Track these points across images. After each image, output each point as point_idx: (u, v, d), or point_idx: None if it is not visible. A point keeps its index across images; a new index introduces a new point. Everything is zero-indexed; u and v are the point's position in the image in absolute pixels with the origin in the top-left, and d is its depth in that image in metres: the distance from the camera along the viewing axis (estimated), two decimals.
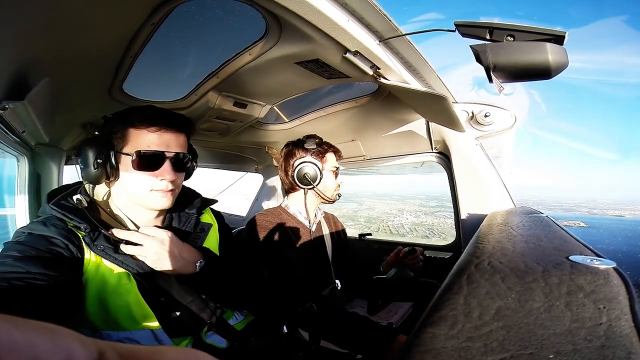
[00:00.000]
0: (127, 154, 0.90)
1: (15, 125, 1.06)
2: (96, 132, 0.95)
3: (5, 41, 0.75)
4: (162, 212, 1.02)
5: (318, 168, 1.50)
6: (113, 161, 0.90)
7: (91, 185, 0.94)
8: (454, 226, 1.90)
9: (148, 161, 0.91)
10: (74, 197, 0.89)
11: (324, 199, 1.59)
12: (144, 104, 0.96)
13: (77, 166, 0.92)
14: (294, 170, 1.52)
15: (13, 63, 0.84)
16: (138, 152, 0.89)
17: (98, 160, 0.87)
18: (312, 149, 1.53)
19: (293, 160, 1.53)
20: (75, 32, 0.82)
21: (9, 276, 0.66)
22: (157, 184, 0.93)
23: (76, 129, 1.39)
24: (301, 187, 1.54)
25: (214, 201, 1.18)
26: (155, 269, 0.90)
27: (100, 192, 0.95)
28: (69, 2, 0.71)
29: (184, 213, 1.09)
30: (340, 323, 1.20)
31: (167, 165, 0.93)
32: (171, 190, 0.95)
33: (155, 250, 0.89)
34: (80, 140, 1.44)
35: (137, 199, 0.94)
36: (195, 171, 1.08)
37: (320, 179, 1.51)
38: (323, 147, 1.56)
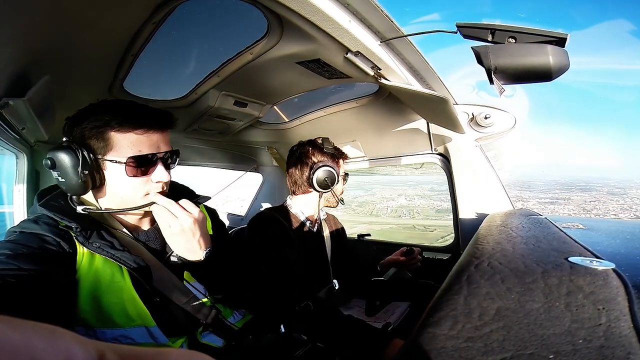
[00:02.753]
0: (116, 161, 0.84)
1: (14, 122, 1.05)
2: (64, 138, 0.85)
3: (7, 38, 0.75)
4: (149, 212, 0.97)
5: (337, 173, 1.50)
6: (99, 169, 0.85)
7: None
8: (436, 208, 1.91)
9: (140, 166, 0.86)
10: (78, 209, 0.84)
11: (330, 203, 1.61)
12: (105, 100, 0.90)
13: (57, 176, 0.83)
14: (313, 172, 1.48)
15: (14, 60, 0.84)
16: (130, 159, 0.84)
17: (84, 172, 0.81)
18: (330, 152, 1.53)
19: (311, 162, 1.51)
20: (77, 30, 0.82)
21: (1, 273, 0.66)
22: (152, 187, 0.89)
23: None
24: (316, 190, 1.52)
25: (207, 198, 1.13)
26: (169, 243, 0.89)
27: (86, 196, 0.91)
28: (70, 1, 0.71)
29: None
30: (335, 325, 1.20)
31: (159, 167, 0.89)
32: (164, 190, 0.93)
33: (184, 226, 0.86)
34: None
35: (131, 203, 0.90)
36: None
37: (335, 184, 1.52)
38: (338, 153, 1.58)
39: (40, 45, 0.84)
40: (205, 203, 1.17)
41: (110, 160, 0.84)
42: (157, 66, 1.21)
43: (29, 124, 1.09)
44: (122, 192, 0.88)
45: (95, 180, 0.84)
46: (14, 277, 0.66)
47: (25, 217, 1.38)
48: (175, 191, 1.07)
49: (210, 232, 1.13)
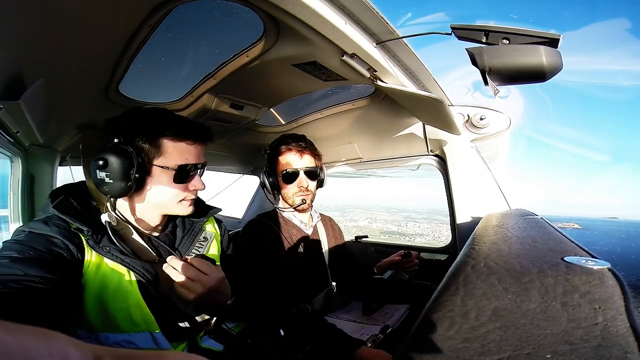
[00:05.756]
0: (165, 167, 0.89)
1: (9, 125, 1.04)
2: (116, 139, 0.86)
3: (1, 41, 0.74)
4: (168, 218, 1.03)
5: (268, 177, 1.49)
6: (146, 173, 0.88)
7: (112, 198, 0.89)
8: (383, 230, 1.90)
9: (185, 174, 0.92)
10: (102, 218, 0.85)
11: (288, 207, 1.53)
12: (149, 107, 0.96)
13: (104, 177, 0.84)
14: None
15: (8, 63, 0.83)
16: (180, 166, 0.90)
17: (136, 175, 0.84)
18: (267, 154, 1.54)
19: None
20: (72, 33, 0.82)
21: (5, 278, 0.65)
22: (188, 194, 0.95)
23: (71, 130, 1.38)
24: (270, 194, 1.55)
25: (218, 210, 1.17)
26: (195, 301, 0.87)
27: (104, 197, 0.92)
28: (66, 3, 0.71)
29: (188, 220, 1.09)
30: (315, 331, 1.20)
31: (197, 176, 0.96)
32: (194, 200, 0.99)
33: (209, 285, 0.86)
34: (75, 141, 1.43)
35: (163, 207, 0.94)
36: None
37: (273, 186, 1.49)
38: (275, 150, 1.51)
39: (36, 48, 0.84)
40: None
41: (160, 166, 0.88)
42: (153, 69, 1.20)
43: (23, 127, 1.08)
44: (160, 197, 0.92)
45: (139, 184, 0.87)
46: (19, 283, 0.66)
47: (20, 221, 1.38)
48: None
49: (219, 248, 1.15)
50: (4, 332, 0.18)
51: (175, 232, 1.05)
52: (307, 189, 1.49)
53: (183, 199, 0.95)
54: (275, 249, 1.41)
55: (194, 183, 0.95)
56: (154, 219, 0.97)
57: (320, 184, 1.59)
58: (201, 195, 1.18)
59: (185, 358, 0.27)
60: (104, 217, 0.85)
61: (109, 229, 0.84)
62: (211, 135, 0.99)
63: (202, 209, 1.11)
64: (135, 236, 0.93)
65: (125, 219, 0.93)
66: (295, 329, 1.22)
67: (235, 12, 0.93)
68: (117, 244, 0.85)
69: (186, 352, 0.93)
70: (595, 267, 0.53)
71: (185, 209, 0.97)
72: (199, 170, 0.97)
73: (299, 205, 1.49)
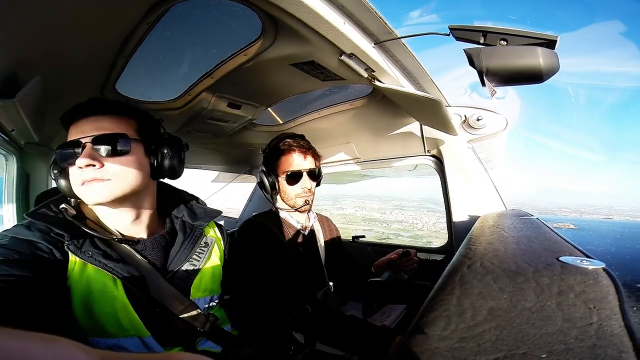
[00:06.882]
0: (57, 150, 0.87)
1: (4, 123, 1.03)
2: None
3: None
4: (140, 216, 0.95)
5: (267, 176, 1.47)
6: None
7: None
8: (365, 217, 1.90)
9: (66, 152, 0.84)
10: (60, 207, 0.83)
11: (287, 207, 1.51)
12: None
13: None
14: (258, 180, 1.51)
15: (4, 61, 0.83)
16: (62, 145, 0.85)
17: (54, 171, 0.88)
18: (265, 153, 1.51)
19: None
20: (69, 31, 0.81)
21: None
22: (76, 174, 0.84)
23: None
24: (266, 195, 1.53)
25: (219, 213, 1.12)
26: None
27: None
28: (63, 1, 0.70)
29: (189, 224, 1.04)
30: (338, 325, 1.19)
31: (87, 149, 0.82)
32: (94, 179, 0.83)
33: None
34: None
35: (80, 196, 0.85)
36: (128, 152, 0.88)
37: (272, 187, 1.46)
38: (276, 150, 1.48)
39: (32, 46, 0.83)
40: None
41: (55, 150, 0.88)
42: (150, 67, 1.20)
43: (18, 125, 1.08)
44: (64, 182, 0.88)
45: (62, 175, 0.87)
46: (4, 283, 0.64)
47: (15, 220, 1.37)
48: (176, 199, 1.07)
49: (220, 254, 1.11)
50: (7, 337, 0.18)
51: (174, 235, 1.01)
52: (309, 190, 1.49)
53: (79, 182, 0.83)
54: (271, 249, 1.41)
55: (79, 161, 0.82)
56: (117, 217, 0.92)
57: (318, 184, 1.59)
58: (200, 194, 1.16)
59: (194, 359, 0.27)
60: (61, 205, 0.85)
61: (65, 215, 0.83)
62: (97, 104, 0.87)
63: (202, 213, 1.08)
64: (112, 236, 0.89)
65: (101, 217, 0.92)
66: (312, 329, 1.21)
67: (234, 10, 0.92)
68: (100, 249, 0.83)
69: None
70: (590, 267, 0.53)
71: (85, 193, 0.84)
72: (83, 145, 0.83)
73: (301, 207, 1.48)
